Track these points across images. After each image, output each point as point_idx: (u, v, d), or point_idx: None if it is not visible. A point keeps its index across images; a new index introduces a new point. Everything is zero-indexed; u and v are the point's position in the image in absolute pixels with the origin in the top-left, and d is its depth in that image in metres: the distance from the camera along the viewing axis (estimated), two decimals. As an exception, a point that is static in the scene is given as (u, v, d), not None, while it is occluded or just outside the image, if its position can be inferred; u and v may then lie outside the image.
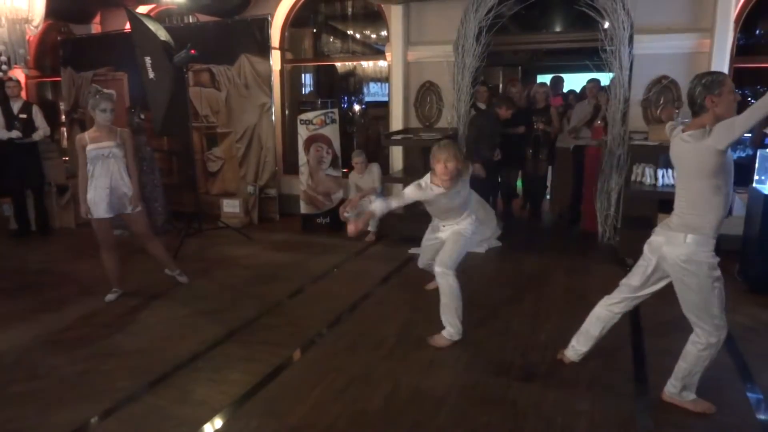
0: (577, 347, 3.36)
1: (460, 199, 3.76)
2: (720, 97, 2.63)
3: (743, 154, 5.89)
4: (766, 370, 3.36)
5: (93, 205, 4.45)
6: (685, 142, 2.73)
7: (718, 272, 2.75)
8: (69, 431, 2.84)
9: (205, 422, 2.90)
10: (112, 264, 4.68)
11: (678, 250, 2.76)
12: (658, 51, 5.87)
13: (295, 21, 7.94)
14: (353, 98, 9.29)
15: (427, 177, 3.65)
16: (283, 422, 2.89)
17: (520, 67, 10.29)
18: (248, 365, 3.50)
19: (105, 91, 4.52)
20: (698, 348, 2.85)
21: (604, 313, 3.23)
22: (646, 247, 2.98)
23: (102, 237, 4.59)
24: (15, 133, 6.56)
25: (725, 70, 5.54)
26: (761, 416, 2.92)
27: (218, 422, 2.91)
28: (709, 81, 2.67)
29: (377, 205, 3.61)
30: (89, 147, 4.41)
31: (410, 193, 3.66)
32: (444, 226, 3.89)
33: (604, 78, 6.36)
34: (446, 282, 3.67)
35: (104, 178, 4.44)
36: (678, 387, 2.94)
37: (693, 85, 2.72)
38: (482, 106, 6.69)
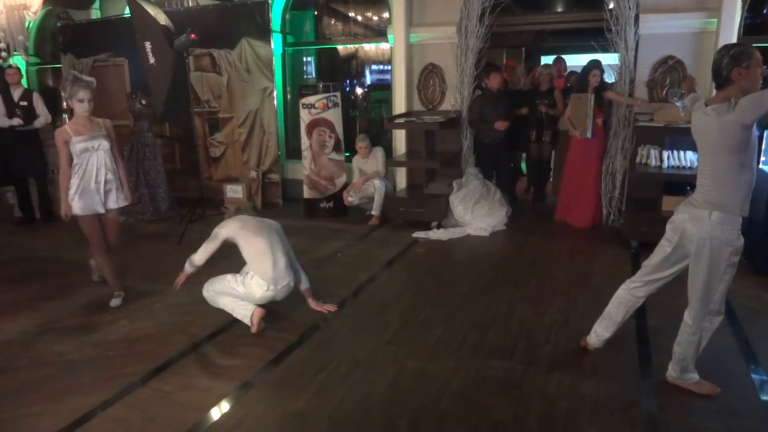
0: (600, 333, 3.30)
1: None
2: (748, 69, 2.56)
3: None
4: (770, 351, 3.36)
5: (85, 204, 4.11)
6: (707, 116, 2.64)
7: (736, 258, 2.71)
8: (76, 417, 2.87)
9: (211, 408, 2.92)
10: (108, 267, 4.32)
11: (702, 228, 2.68)
12: (665, 30, 5.78)
13: (295, 4, 7.86)
14: (355, 81, 9.22)
15: None
16: (288, 407, 2.91)
17: (523, 49, 10.19)
18: (253, 350, 3.52)
19: (84, 78, 4.02)
20: (688, 331, 2.85)
21: (627, 297, 3.17)
22: (668, 226, 2.91)
23: (91, 235, 4.21)
24: (16, 121, 6.53)
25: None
26: (765, 397, 2.92)
27: (224, 407, 2.93)
28: (737, 52, 2.58)
29: None
30: (75, 140, 4.04)
31: None
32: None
33: (608, 59, 6.25)
34: None
35: (94, 172, 4.11)
36: (677, 370, 2.94)
37: (720, 56, 2.63)
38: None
